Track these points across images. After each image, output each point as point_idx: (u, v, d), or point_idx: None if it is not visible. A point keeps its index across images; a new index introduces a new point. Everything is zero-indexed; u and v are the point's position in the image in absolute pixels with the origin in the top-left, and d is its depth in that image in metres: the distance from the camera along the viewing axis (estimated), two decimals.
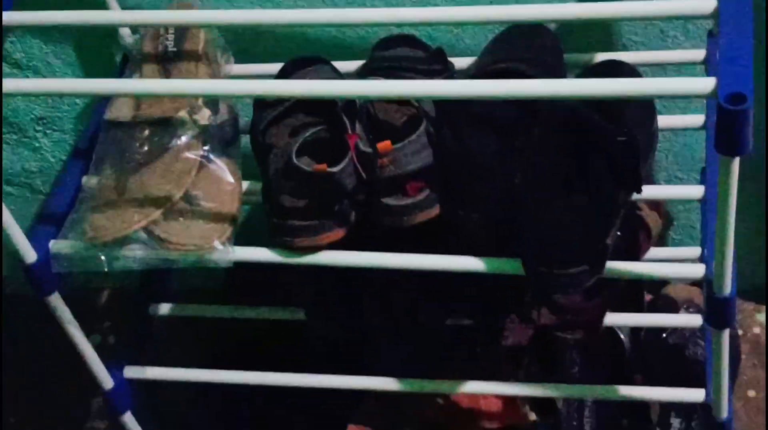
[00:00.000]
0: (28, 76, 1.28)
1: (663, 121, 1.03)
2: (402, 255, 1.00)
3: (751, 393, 1.33)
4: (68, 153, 1.33)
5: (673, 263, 1.16)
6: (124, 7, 1.16)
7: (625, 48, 1.16)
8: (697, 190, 1.00)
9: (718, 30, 0.82)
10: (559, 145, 0.95)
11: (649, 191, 0.96)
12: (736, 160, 0.80)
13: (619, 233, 1.10)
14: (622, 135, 0.93)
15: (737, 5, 0.82)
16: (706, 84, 0.78)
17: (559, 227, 0.90)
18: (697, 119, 1.04)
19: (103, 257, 0.99)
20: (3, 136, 1.35)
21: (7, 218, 0.97)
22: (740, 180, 0.81)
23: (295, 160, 0.97)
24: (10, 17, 0.95)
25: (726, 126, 0.76)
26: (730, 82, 0.76)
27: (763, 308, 1.40)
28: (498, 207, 0.95)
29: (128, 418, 1.19)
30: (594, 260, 0.92)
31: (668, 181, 1.29)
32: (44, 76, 1.28)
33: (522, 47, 1.05)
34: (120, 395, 1.15)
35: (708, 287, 0.95)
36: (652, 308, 1.33)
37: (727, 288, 0.92)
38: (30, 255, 1.00)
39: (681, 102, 1.19)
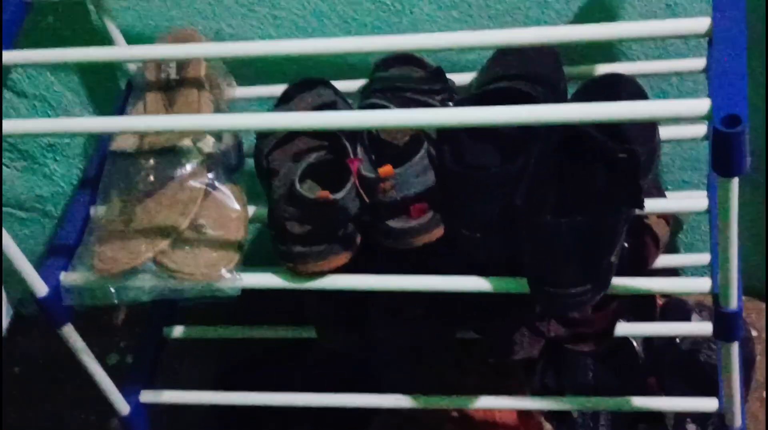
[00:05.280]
0: (35, 105, 1.29)
1: (666, 131, 1.03)
2: (408, 277, 1.00)
3: None
4: (79, 179, 1.34)
5: (679, 278, 1.16)
6: (124, 31, 1.17)
7: (626, 57, 1.16)
8: (701, 203, 0.99)
9: None
10: (559, 163, 0.95)
11: (652, 205, 0.96)
12: (735, 180, 0.79)
13: (626, 245, 1.10)
14: (623, 151, 0.93)
15: (731, 24, 0.82)
16: (701, 106, 0.77)
17: (560, 249, 0.89)
18: (700, 130, 1.04)
19: (112, 290, 1.00)
20: (15, 163, 1.36)
21: (17, 254, 0.98)
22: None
23: (298, 188, 0.97)
24: (19, 55, 0.97)
25: (722, 148, 0.75)
26: (724, 104, 0.75)
27: None
28: (501, 226, 0.95)
29: None
30: (597, 278, 0.92)
31: (675, 185, 1.28)
32: (50, 104, 1.29)
33: (521, 63, 1.04)
34: (137, 419, 1.17)
35: (715, 300, 0.94)
36: (665, 312, 1.33)
37: (733, 302, 0.92)
38: (41, 289, 1.01)
39: None
